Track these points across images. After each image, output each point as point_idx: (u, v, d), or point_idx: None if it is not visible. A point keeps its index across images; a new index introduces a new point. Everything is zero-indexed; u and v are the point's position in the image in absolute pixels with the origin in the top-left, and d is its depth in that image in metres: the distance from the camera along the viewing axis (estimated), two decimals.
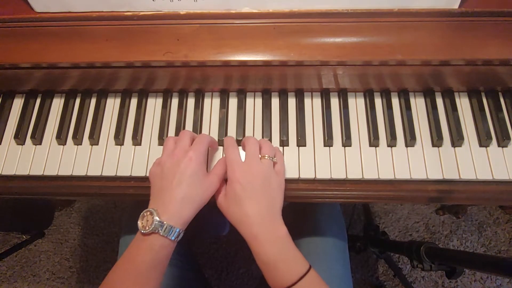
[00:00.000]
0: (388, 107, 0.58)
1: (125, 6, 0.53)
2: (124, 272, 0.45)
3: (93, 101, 0.61)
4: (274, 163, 0.50)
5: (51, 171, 0.57)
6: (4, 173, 0.57)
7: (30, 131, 0.59)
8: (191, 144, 0.50)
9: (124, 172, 0.56)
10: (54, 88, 0.61)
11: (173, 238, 0.44)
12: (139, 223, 0.44)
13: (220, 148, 0.57)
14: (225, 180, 0.51)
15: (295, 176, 0.55)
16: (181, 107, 0.60)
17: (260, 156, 0.50)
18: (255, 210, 0.46)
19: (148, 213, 0.45)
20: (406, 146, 0.56)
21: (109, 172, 0.56)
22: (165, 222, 0.44)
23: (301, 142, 0.57)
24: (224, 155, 0.55)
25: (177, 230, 0.44)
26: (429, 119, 0.58)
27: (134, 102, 0.61)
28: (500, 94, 0.58)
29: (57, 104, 0.62)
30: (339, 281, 0.64)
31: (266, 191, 0.47)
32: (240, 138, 0.57)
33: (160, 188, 0.47)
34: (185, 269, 0.70)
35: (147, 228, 0.43)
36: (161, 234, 0.43)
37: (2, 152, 0.58)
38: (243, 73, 0.56)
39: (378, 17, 0.52)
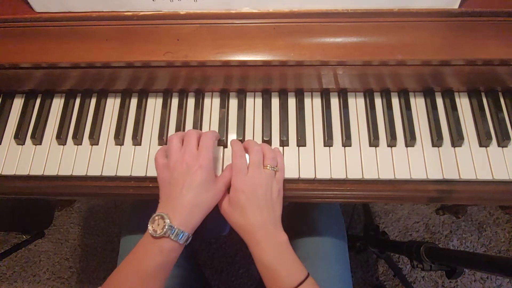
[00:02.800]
0: (388, 107, 0.58)
1: (125, 6, 0.53)
2: (131, 273, 0.45)
3: (93, 101, 0.61)
4: (275, 172, 0.52)
5: (51, 171, 0.57)
6: (4, 173, 0.57)
7: (30, 131, 0.59)
8: (198, 144, 0.50)
9: (124, 172, 0.56)
10: (54, 88, 0.61)
11: (182, 242, 0.46)
12: (150, 227, 0.45)
13: (220, 146, 0.57)
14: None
15: (295, 176, 0.55)
16: (181, 107, 0.60)
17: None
18: (258, 218, 0.48)
19: (159, 217, 0.46)
20: (406, 146, 0.56)
21: (109, 172, 0.56)
22: (175, 227, 0.45)
23: (301, 142, 0.57)
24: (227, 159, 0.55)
25: (186, 235, 0.46)
26: (429, 119, 0.57)
27: (134, 102, 0.61)
28: (500, 94, 0.58)
29: (57, 104, 0.62)
30: (339, 281, 0.64)
31: (267, 200, 0.49)
32: (241, 138, 0.57)
33: (170, 193, 0.48)
34: (186, 269, 0.70)
35: (158, 232, 0.44)
36: (171, 238, 0.45)
37: (2, 152, 0.58)
38: (243, 73, 0.56)
39: (378, 17, 0.52)
